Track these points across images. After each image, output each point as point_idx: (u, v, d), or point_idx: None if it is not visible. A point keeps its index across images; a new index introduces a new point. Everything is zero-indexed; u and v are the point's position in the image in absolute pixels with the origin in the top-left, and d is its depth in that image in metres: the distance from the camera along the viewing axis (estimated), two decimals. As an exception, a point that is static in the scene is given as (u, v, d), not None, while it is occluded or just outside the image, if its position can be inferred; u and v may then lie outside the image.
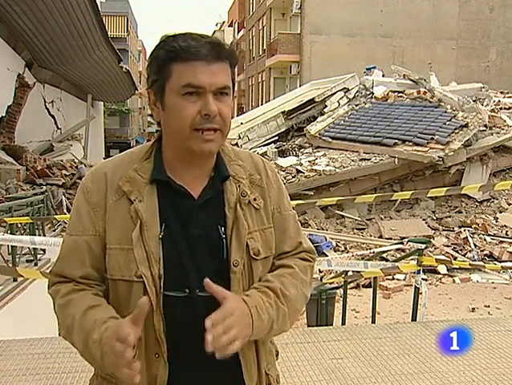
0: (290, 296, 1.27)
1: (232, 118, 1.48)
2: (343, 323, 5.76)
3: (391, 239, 10.72)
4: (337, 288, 6.09)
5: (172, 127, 1.20)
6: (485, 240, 11.12)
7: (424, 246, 4.76)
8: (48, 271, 5.79)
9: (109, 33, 19.10)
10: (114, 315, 1.16)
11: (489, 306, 8.00)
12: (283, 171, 12.67)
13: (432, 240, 8.42)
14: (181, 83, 1.16)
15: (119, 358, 1.04)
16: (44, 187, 12.11)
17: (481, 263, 8.58)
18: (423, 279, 5.22)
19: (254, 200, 1.29)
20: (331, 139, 14.58)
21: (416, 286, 4.81)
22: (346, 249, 10.74)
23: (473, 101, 15.14)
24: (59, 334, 5.41)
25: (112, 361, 1.06)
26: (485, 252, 10.43)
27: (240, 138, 15.47)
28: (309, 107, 16.37)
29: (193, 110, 1.16)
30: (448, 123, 13.58)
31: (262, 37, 30.53)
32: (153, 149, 1.29)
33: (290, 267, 1.32)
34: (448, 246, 10.65)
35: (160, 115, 1.23)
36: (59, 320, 1.23)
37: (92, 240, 1.22)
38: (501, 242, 11.01)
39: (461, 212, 12.99)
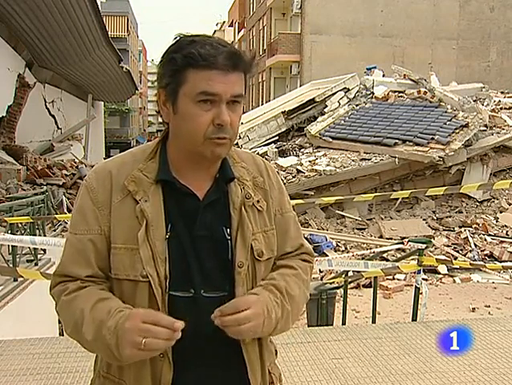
0: (295, 296, 1.28)
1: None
2: (344, 323, 5.76)
3: (391, 239, 10.72)
4: (337, 288, 6.09)
5: (183, 132, 1.20)
6: (485, 240, 11.12)
7: (424, 246, 4.76)
8: (48, 272, 5.79)
9: (109, 33, 19.07)
10: (127, 306, 1.15)
11: (489, 306, 8.01)
12: (283, 171, 12.66)
13: (432, 240, 8.41)
14: (196, 90, 1.15)
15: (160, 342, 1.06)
16: (44, 187, 12.08)
17: (482, 263, 8.57)
18: (423, 279, 5.21)
19: (258, 202, 1.30)
20: (331, 139, 14.57)
21: (416, 286, 4.81)
22: (346, 248, 10.74)
23: (474, 101, 15.13)
24: (60, 334, 5.43)
25: (135, 347, 1.06)
26: (485, 252, 10.43)
27: (240, 138, 15.46)
28: (309, 107, 16.36)
29: (207, 118, 1.16)
30: (448, 123, 13.58)
31: (263, 37, 30.52)
32: (158, 149, 1.28)
33: (293, 268, 1.34)
34: (448, 246, 10.66)
35: (170, 116, 1.22)
36: (65, 317, 1.21)
37: (98, 239, 1.21)
38: (502, 242, 11.00)
39: (462, 212, 12.98)
